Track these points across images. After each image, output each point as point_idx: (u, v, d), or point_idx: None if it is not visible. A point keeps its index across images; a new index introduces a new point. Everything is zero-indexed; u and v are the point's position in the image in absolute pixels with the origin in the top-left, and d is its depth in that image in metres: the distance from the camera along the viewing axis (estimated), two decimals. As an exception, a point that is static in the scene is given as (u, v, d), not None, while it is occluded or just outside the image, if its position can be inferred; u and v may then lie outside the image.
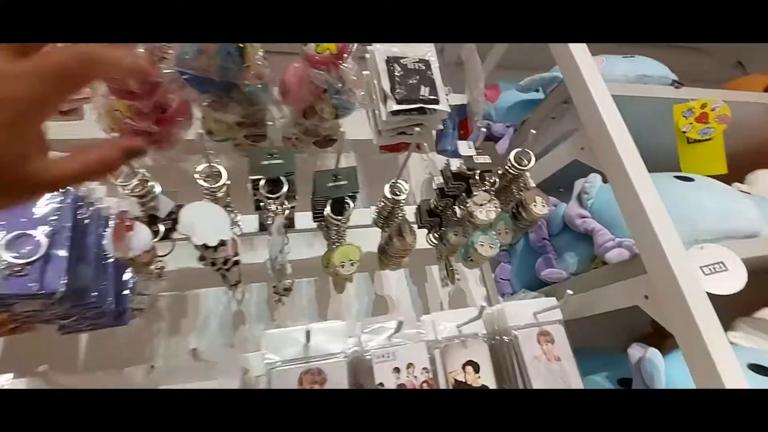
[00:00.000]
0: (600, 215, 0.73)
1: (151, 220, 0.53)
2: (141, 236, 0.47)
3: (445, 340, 0.56)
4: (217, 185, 0.52)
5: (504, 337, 0.61)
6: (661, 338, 0.95)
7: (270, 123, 0.77)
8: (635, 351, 0.64)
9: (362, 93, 0.78)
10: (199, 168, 0.52)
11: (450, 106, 0.95)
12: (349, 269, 0.55)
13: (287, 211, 0.60)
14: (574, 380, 0.59)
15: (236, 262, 0.59)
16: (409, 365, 0.49)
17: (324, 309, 0.82)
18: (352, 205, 0.59)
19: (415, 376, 0.49)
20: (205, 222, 0.46)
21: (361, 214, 0.79)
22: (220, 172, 0.54)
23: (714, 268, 0.56)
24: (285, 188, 0.54)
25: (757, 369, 0.57)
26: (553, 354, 0.59)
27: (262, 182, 0.54)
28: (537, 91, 0.91)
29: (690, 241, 0.62)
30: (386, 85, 0.74)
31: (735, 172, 0.80)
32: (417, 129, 0.74)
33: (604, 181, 0.77)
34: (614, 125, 0.59)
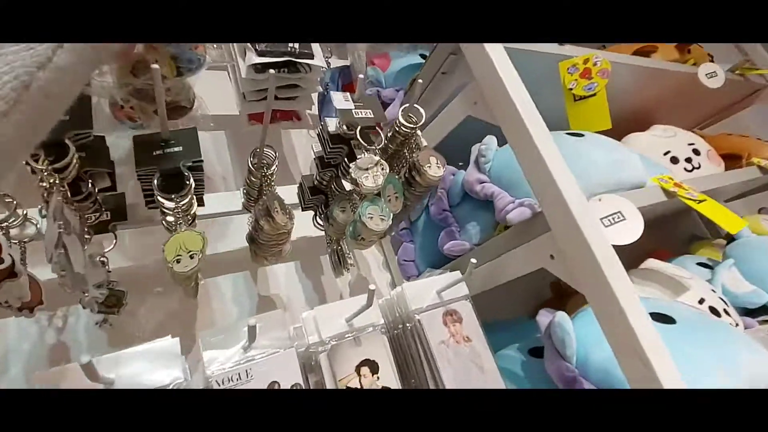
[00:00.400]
0: (499, 179, 0.68)
1: None
2: None
3: (333, 339, 0.44)
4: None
5: (406, 324, 0.51)
6: (562, 301, 0.96)
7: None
8: (543, 317, 0.60)
9: (216, 47, 0.62)
10: None
11: (332, 69, 0.84)
12: (187, 264, 0.39)
13: (93, 193, 0.43)
14: (486, 361, 0.51)
15: (12, 273, 0.39)
16: (272, 384, 0.36)
17: (188, 323, 0.65)
18: (191, 180, 0.43)
19: (283, 398, 0.36)
20: None
21: (227, 198, 0.64)
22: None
23: (613, 219, 0.52)
24: (71, 154, 0.37)
25: (658, 317, 0.55)
26: (462, 334, 0.51)
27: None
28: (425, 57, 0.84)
29: (585, 195, 0.58)
30: (243, 32, 0.59)
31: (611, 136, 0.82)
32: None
33: (501, 145, 0.72)
34: (508, 75, 0.53)
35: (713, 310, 0.70)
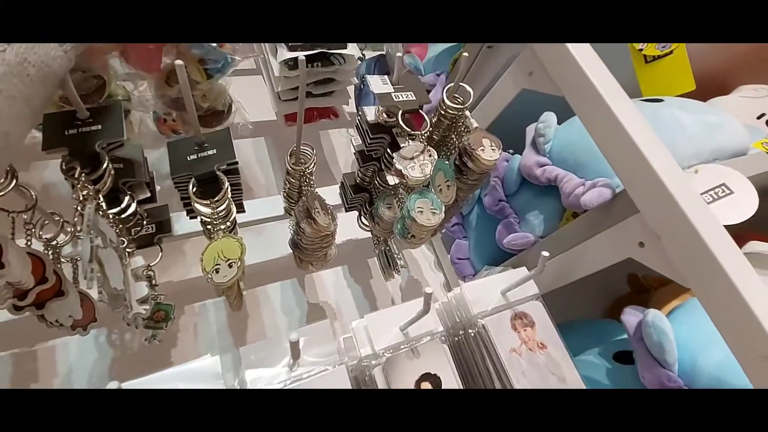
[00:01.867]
0: (562, 160, 0.60)
1: None
2: None
3: (387, 351, 0.39)
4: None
5: (469, 330, 0.45)
6: (642, 297, 0.84)
7: (125, 99, 0.57)
8: (630, 317, 0.51)
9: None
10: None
11: (367, 59, 0.79)
12: (227, 274, 0.36)
13: (133, 205, 0.41)
14: (568, 371, 0.44)
15: (59, 292, 0.38)
16: (323, 408, 0.31)
17: (239, 336, 0.63)
18: (226, 183, 0.41)
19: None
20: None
21: (269, 203, 0.61)
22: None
23: (716, 193, 0.43)
24: (105, 165, 0.35)
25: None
26: (536, 341, 0.44)
27: (66, 160, 0.34)
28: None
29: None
30: (272, 28, 0.56)
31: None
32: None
33: (560, 122, 0.63)
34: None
35: None
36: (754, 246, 0.71)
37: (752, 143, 0.58)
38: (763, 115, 0.83)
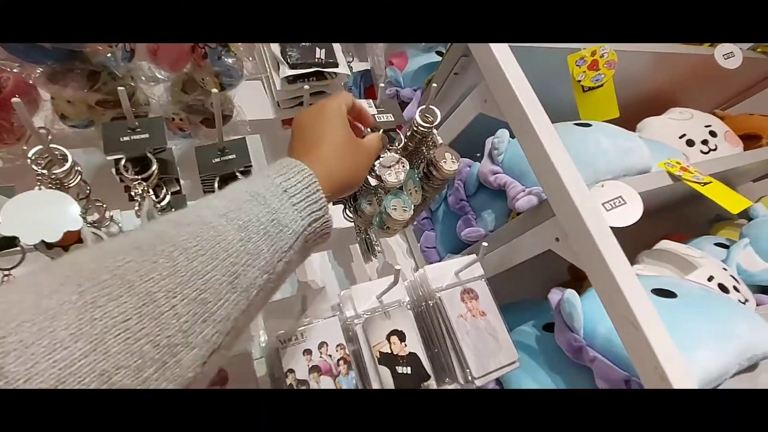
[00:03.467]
0: (511, 169, 0.73)
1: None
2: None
3: (366, 313, 0.52)
4: (61, 170, 0.42)
5: (429, 302, 0.58)
6: (579, 283, 1.00)
7: (146, 104, 0.66)
8: (554, 295, 0.65)
9: (252, 59, 0.70)
10: (32, 151, 0.42)
11: (354, 73, 0.91)
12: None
13: (167, 196, 0.52)
14: (501, 333, 0.58)
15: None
16: (322, 344, 0.44)
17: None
18: (244, 180, 0.52)
19: (329, 355, 0.44)
20: (39, 216, 0.36)
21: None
22: (65, 155, 0.44)
23: (614, 203, 0.58)
24: (154, 167, 0.46)
25: (659, 292, 0.60)
26: (478, 309, 0.58)
27: (123, 162, 0.45)
28: (441, 53, 0.90)
29: (592, 181, 0.63)
30: (276, 49, 0.67)
31: (625, 123, 0.85)
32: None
33: (513, 136, 0.77)
34: (513, 74, 0.58)
35: (722, 287, 0.74)
36: (663, 244, 0.88)
37: (657, 163, 0.73)
38: (684, 135, 0.99)
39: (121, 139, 0.46)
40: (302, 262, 0.35)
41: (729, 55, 0.97)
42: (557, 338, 0.62)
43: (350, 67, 0.91)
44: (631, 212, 0.56)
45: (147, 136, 0.47)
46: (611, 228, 0.51)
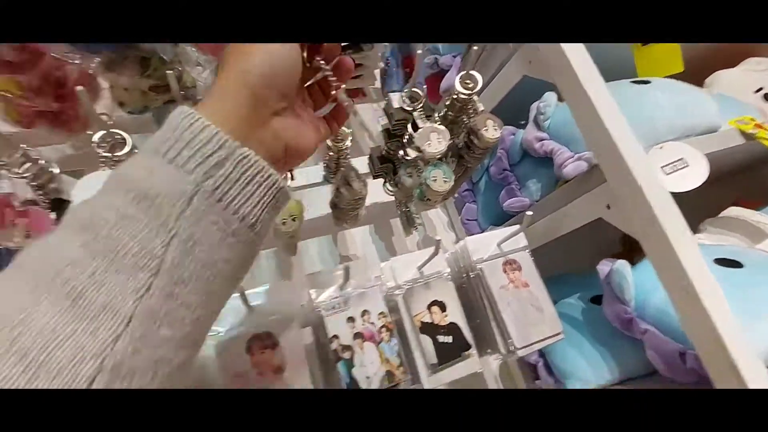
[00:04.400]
0: (558, 135, 0.69)
1: (56, 204, 0.47)
2: (39, 221, 0.41)
3: (407, 284, 0.53)
4: (122, 153, 0.46)
5: (470, 273, 0.58)
6: (632, 254, 0.95)
7: (193, 86, 0.69)
8: (604, 266, 0.63)
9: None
10: (97, 136, 0.45)
11: (390, 43, 0.88)
12: (291, 225, 0.50)
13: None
14: (545, 304, 0.57)
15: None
16: (364, 312, 0.46)
17: (287, 277, 0.78)
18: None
19: (372, 323, 0.46)
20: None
21: (312, 172, 0.74)
22: (124, 139, 0.47)
23: (675, 166, 0.53)
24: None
25: (723, 262, 0.56)
26: (521, 281, 0.57)
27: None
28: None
29: (651, 143, 0.59)
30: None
31: (691, 78, 0.76)
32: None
33: (561, 100, 0.72)
34: (560, 30, 0.54)
35: (801, 256, 0.67)
36: (731, 211, 0.80)
37: (727, 121, 0.66)
38: (760, 89, 0.89)
39: (172, 121, 0.49)
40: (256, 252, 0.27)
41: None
42: (606, 310, 0.60)
43: (386, 37, 0.89)
44: (695, 176, 0.52)
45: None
46: (671, 194, 0.47)
